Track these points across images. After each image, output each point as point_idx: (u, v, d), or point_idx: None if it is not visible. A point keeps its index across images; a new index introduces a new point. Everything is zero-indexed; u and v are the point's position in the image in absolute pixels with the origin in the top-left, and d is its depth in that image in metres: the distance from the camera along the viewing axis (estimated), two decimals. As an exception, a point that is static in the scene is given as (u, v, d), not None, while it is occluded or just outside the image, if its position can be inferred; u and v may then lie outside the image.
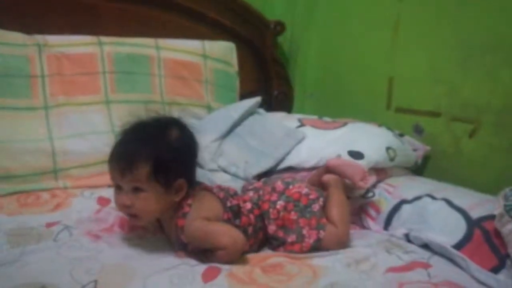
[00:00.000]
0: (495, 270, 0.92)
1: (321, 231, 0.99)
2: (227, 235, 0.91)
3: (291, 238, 1.00)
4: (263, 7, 1.86)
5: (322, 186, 1.13)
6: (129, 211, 0.92)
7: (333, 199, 1.07)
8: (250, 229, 0.98)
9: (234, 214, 0.98)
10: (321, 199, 1.04)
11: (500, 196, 0.98)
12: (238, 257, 0.91)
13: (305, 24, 1.91)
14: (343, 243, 1.02)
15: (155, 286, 0.81)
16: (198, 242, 0.93)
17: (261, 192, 1.05)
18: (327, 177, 1.12)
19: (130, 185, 0.91)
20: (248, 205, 1.01)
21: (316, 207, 1.02)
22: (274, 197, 1.03)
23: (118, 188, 0.93)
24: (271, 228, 1.01)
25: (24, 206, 1.11)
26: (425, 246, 1.05)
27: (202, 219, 0.93)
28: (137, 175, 0.89)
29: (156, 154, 0.91)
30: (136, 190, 0.91)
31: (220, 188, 1.04)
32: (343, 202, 1.08)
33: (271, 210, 1.01)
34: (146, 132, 0.95)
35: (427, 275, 0.92)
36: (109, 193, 1.16)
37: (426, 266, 0.96)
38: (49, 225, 1.01)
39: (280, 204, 1.01)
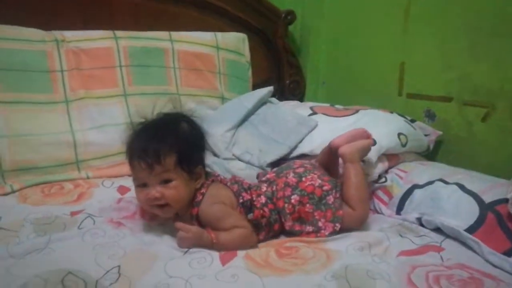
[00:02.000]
0: (509, 253, 0.92)
1: (337, 224, 1.00)
2: (243, 224, 0.95)
3: (308, 229, 1.01)
4: (273, -3, 1.87)
5: (330, 165, 1.16)
6: (159, 202, 0.94)
7: (350, 179, 1.06)
8: (263, 221, 1.00)
9: (246, 209, 1.00)
10: (334, 191, 1.04)
11: (513, 180, 0.99)
12: (244, 247, 0.92)
13: (315, 13, 1.91)
14: (362, 223, 1.05)
15: (175, 270, 0.84)
16: (214, 224, 0.95)
17: (274, 188, 1.05)
18: (342, 151, 1.10)
19: (158, 178, 0.93)
20: (263, 199, 1.02)
21: (330, 199, 1.02)
22: (288, 192, 1.03)
23: (142, 186, 0.95)
24: (288, 225, 1.02)
25: (48, 196, 1.14)
26: (438, 230, 1.05)
27: (220, 203, 0.97)
28: (166, 166, 0.93)
29: (178, 144, 0.95)
30: (165, 181, 0.94)
31: (235, 180, 1.06)
32: (360, 181, 1.07)
33: (286, 205, 1.02)
34: (159, 128, 0.97)
35: (439, 259, 0.93)
36: (129, 182, 1.19)
37: (438, 249, 0.97)
38: (73, 213, 1.04)
39: (294, 198, 1.02)
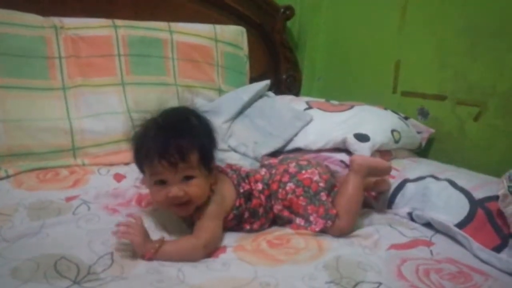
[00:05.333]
0: (497, 249, 0.93)
1: (329, 221, 0.99)
2: (202, 236, 0.89)
3: (299, 221, 1.01)
4: (272, -8, 1.87)
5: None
6: (181, 200, 0.91)
7: (347, 188, 1.04)
8: (261, 210, 1.01)
9: (245, 199, 1.00)
10: (327, 191, 1.03)
11: (504, 178, 0.99)
12: (186, 259, 0.87)
13: (313, 9, 1.92)
14: (341, 235, 1.00)
15: (169, 259, 0.85)
16: (198, 216, 0.94)
17: (273, 171, 1.06)
18: (353, 158, 1.09)
19: (181, 175, 0.90)
20: (259, 186, 1.03)
21: (323, 196, 1.01)
22: (285, 178, 1.03)
23: (161, 183, 0.91)
24: (277, 208, 1.03)
25: (44, 182, 1.14)
26: (428, 225, 1.06)
27: (218, 205, 0.95)
28: (190, 163, 0.90)
29: (198, 140, 0.92)
30: (187, 178, 0.91)
31: (232, 168, 1.06)
32: (355, 194, 1.04)
33: (280, 190, 1.02)
34: (174, 124, 0.93)
35: (429, 253, 0.95)
36: (124, 170, 1.22)
37: (428, 244, 0.98)
38: (68, 199, 1.04)
39: (290, 186, 1.02)
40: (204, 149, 0.93)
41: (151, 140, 0.90)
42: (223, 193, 0.98)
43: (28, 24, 1.31)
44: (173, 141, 0.89)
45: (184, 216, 0.98)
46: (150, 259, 0.84)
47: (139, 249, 0.85)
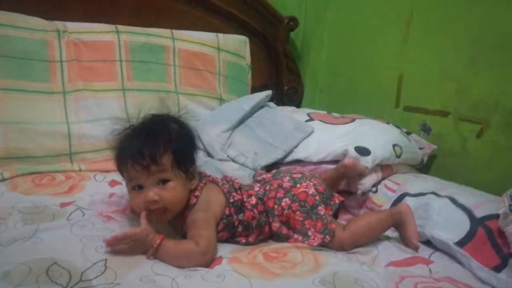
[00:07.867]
0: (497, 268, 0.92)
1: (327, 236, 0.98)
2: (200, 242, 0.89)
3: (297, 236, 1.00)
4: (276, 2, 1.88)
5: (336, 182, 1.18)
6: (157, 205, 0.90)
7: (374, 217, 1.05)
8: (254, 223, 1.00)
9: (236, 209, 0.99)
10: (324, 205, 1.01)
11: (505, 196, 0.98)
12: (185, 264, 0.87)
13: (317, 21, 1.92)
14: (339, 249, 0.99)
15: (163, 269, 0.83)
16: (188, 227, 0.93)
17: (267, 187, 1.04)
18: (404, 206, 1.06)
19: (155, 178, 0.90)
20: (253, 200, 1.01)
21: (321, 210, 1.00)
22: (280, 193, 1.02)
23: (138, 188, 0.91)
24: (275, 226, 1.01)
25: (39, 186, 1.13)
26: (427, 242, 1.05)
27: (206, 212, 0.94)
28: (163, 166, 0.90)
29: (173, 144, 0.92)
30: (162, 182, 0.91)
31: (226, 179, 1.05)
32: (376, 226, 1.03)
33: (276, 206, 1.01)
34: (151, 128, 0.94)
35: (428, 271, 0.93)
36: (120, 177, 1.18)
37: (427, 262, 0.97)
38: (63, 205, 1.03)
39: (285, 201, 1.01)
40: (179, 152, 0.93)
41: (127, 145, 0.93)
42: (210, 199, 0.97)
43: (31, 27, 1.31)
44: (145, 144, 0.90)
45: (179, 231, 0.97)
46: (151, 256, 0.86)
47: (141, 249, 0.87)
